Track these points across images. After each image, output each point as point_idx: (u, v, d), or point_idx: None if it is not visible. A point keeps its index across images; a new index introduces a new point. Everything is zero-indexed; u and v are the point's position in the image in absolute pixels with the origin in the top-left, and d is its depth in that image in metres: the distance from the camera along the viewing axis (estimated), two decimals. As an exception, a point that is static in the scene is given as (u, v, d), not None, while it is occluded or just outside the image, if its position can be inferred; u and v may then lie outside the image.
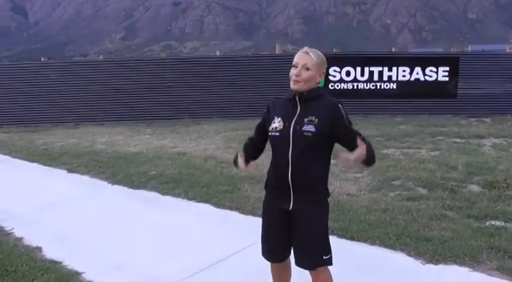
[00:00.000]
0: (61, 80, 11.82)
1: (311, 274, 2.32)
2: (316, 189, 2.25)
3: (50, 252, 3.72)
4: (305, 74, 2.18)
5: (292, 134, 2.17)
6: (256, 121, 2.46)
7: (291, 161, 2.18)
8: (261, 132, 2.39)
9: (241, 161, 2.35)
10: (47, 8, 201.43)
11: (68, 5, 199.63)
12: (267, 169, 2.36)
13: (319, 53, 2.25)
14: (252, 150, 2.45)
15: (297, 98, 2.23)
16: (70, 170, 6.65)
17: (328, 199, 2.33)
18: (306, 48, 2.26)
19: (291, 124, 2.19)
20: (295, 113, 2.21)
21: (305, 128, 2.15)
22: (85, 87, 11.72)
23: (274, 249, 2.39)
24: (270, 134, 2.26)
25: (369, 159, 2.15)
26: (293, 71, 2.21)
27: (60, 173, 6.58)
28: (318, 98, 2.23)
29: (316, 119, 2.16)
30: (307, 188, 2.22)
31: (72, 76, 11.82)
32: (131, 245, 3.83)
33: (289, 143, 2.18)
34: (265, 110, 2.37)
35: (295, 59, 2.23)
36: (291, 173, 2.19)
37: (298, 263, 2.29)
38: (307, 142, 2.16)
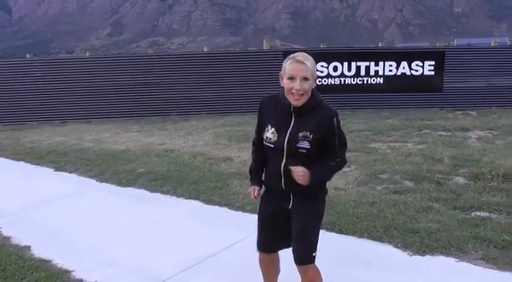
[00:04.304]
0: (47, 77, 11.65)
1: (299, 269, 2.32)
2: (312, 192, 2.24)
3: (39, 250, 3.70)
4: (306, 86, 2.06)
5: (286, 149, 2.13)
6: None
7: (283, 173, 2.16)
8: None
9: (251, 189, 2.45)
10: (31, 4, 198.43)
11: (53, 1, 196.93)
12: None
13: (309, 56, 2.11)
14: (258, 162, 2.43)
15: (291, 109, 2.12)
16: (57, 168, 6.59)
17: (326, 196, 2.36)
18: (298, 57, 2.07)
19: (285, 138, 2.13)
20: (290, 125, 2.13)
21: (300, 144, 2.10)
22: (71, 84, 11.57)
23: (269, 241, 2.42)
24: (264, 142, 2.22)
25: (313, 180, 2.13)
26: (292, 85, 2.05)
27: (48, 171, 6.52)
28: (314, 109, 2.14)
29: (311, 135, 2.09)
30: (304, 193, 2.22)
31: (58, 73, 11.66)
32: (120, 243, 3.83)
33: (282, 156, 2.15)
34: (259, 108, 2.28)
35: (291, 71, 2.05)
36: (284, 184, 2.19)
37: (295, 258, 2.31)
38: (301, 158, 2.12)
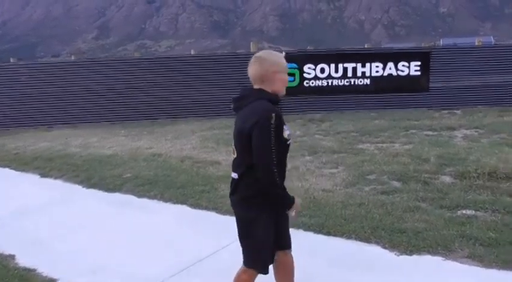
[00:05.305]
0: (32, 82, 11.52)
1: (284, 254, 2.46)
2: None
3: (24, 259, 3.64)
4: None
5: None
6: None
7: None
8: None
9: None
10: (15, 8, 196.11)
11: (37, 5, 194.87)
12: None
13: None
14: None
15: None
16: (43, 175, 6.50)
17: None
18: (284, 53, 2.39)
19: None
20: None
21: None
22: (57, 89, 11.45)
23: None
24: (288, 143, 2.25)
25: None
26: (287, 77, 2.33)
27: (33, 178, 6.43)
28: None
29: None
30: None
31: (44, 77, 11.53)
32: (107, 249, 3.78)
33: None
34: (275, 122, 2.12)
35: (286, 65, 2.31)
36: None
37: (285, 244, 2.45)
38: None
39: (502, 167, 5.00)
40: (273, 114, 2.11)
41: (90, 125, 11.15)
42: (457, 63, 11.24)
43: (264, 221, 2.26)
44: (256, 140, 2.11)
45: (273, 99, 2.24)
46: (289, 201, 2.24)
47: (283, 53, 2.34)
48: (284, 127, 2.18)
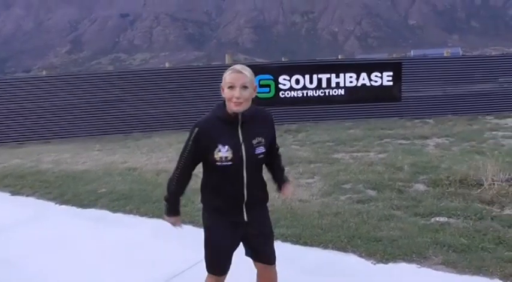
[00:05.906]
0: (1, 98, 11.23)
1: (265, 269, 2.43)
2: (265, 196, 2.41)
3: (-7, 281, 3.51)
4: (245, 94, 2.13)
5: (246, 159, 2.19)
6: None
7: (247, 184, 2.23)
8: (196, 164, 2.28)
9: (176, 220, 2.48)
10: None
11: (7, 19, 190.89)
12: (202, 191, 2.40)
13: (247, 67, 2.21)
14: (182, 191, 2.41)
15: (239, 118, 2.17)
16: (14, 193, 6.30)
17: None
18: (237, 67, 2.18)
19: (241, 150, 2.17)
20: (239, 136, 2.18)
21: (257, 151, 2.21)
22: (28, 105, 11.20)
23: (227, 263, 2.41)
24: (218, 164, 2.16)
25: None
26: (232, 93, 2.12)
27: (3, 196, 6.22)
28: (255, 114, 2.24)
29: (263, 139, 2.24)
30: (259, 200, 2.37)
31: (14, 93, 11.27)
32: (82, 266, 3.68)
33: (242, 168, 2.20)
34: (194, 137, 2.19)
35: (230, 80, 2.13)
36: (247, 195, 2.25)
37: (265, 260, 2.42)
38: (260, 163, 2.29)
39: (473, 174, 5.12)
40: (196, 129, 2.18)
41: (63, 141, 10.91)
42: (427, 74, 11.55)
43: (212, 232, 2.34)
44: None
45: (220, 115, 2.20)
46: (166, 212, 2.44)
47: (236, 67, 2.18)
48: (220, 146, 2.15)
